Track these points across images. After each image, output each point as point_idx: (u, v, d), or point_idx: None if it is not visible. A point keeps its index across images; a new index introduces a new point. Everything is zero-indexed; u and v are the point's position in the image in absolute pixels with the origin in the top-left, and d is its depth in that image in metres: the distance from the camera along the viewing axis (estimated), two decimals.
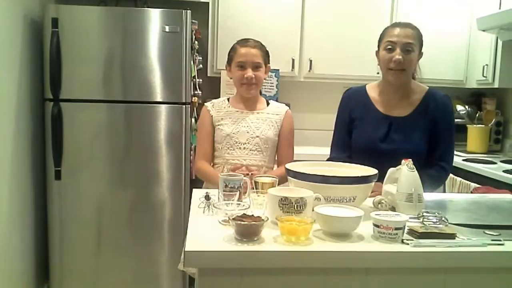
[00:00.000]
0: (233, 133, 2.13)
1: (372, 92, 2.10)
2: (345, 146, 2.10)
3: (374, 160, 1.72)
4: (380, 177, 1.64)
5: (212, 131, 2.18)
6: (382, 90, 2.08)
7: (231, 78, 2.22)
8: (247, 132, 2.13)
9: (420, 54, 2.00)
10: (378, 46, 2.04)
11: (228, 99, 2.24)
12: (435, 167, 1.98)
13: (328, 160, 2.03)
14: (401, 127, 2.00)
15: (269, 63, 2.20)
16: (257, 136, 2.13)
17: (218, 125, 2.16)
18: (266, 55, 2.17)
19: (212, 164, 2.20)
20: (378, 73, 2.13)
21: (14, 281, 2.62)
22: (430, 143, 2.00)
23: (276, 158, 2.24)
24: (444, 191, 3.06)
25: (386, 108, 2.04)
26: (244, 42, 2.15)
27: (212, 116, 2.18)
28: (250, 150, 2.12)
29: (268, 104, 2.24)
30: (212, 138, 2.18)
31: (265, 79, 2.21)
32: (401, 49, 1.93)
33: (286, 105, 2.31)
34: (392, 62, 1.93)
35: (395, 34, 1.95)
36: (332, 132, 2.18)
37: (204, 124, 2.20)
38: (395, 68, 1.94)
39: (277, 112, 2.21)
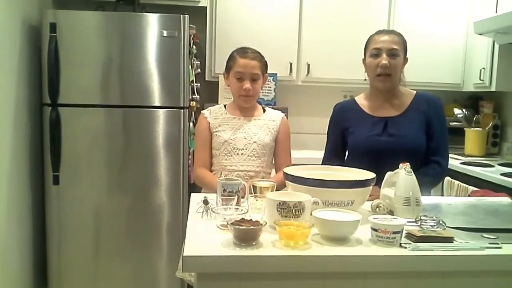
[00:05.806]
0: (231, 139, 2.13)
1: (362, 100, 2.14)
2: (336, 156, 2.14)
3: (374, 158, 1.70)
4: (380, 178, 1.65)
5: (210, 138, 2.17)
6: (371, 97, 2.12)
7: (228, 86, 2.22)
8: (245, 138, 2.14)
9: (405, 60, 2.05)
10: (365, 54, 2.08)
11: (225, 106, 2.25)
12: (431, 165, 2.00)
13: None
14: (397, 124, 2.03)
15: (266, 72, 2.20)
16: (255, 142, 2.13)
17: (216, 131, 2.16)
18: (264, 66, 2.17)
19: (209, 171, 2.19)
20: (365, 79, 2.14)
21: (12, 286, 2.61)
22: (426, 140, 2.02)
23: (273, 163, 2.25)
24: (442, 195, 3.07)
25: (378, 111, 2.08)
26: (243, 52, 2.13)
27: (209, 123, 2.18)
28: (248, 156, 2.12)
29: (264, 111, 2.25)
30: (210, 145, 2.18)
31: (262, 88, 2.22)
32: (387, 54, 1.98)
33: (284, 109, 2.31)
34: (379, 68, 1.98)
35: (380, 41, 2.00)
36: None
37: (202, 131, 2.19)
38: (382, 73, 1.99)
39: (273, 119, 2.22)
